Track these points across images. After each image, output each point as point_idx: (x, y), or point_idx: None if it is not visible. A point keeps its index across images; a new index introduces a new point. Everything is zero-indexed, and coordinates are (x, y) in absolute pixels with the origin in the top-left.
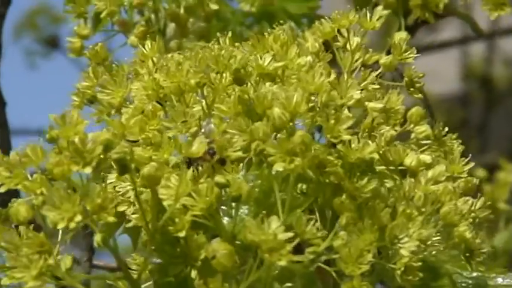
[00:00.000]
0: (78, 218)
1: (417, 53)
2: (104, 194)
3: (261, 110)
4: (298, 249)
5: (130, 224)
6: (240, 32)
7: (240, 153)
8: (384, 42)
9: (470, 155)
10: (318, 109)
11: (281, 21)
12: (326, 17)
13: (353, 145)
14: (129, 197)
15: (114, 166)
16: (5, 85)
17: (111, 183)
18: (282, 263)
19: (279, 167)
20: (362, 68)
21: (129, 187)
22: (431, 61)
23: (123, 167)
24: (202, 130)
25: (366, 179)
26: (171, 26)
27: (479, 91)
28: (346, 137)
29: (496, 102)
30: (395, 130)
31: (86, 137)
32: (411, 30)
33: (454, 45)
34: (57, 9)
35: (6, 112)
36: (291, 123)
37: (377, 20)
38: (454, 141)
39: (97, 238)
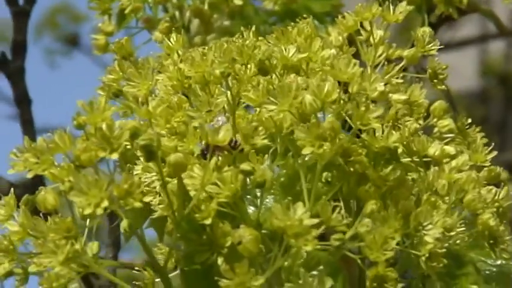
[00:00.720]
0: (105, 203)
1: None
2: (130, 180)
3: (287, 97)
4: (323, 239)
5: (156, 215)
6: (263, 30)
7: (266, 141)
8: (404, 39)
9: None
10: (344, 99)
11: (304, 16)
12: (348, 12)
13: (377, 134)
14: (155, 188)
15: (141, 153)
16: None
17: (136, 174)
18: (308, 248)
19: (307, 151)
20: (385, 62)
21: (154, 177)
22: (449, 57)
23: (149, 154)
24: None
25: (390, 168)
26: (195, 22)
27: (498, 88)
28: (375, 125)
29: None
30: (419, 124)
31: (113, 123)
32: (434, 26)
33: (473, 43)
34: (78, 7)
35: (31, 110)
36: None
37: (400, 12)
38: (477, 133)
39: (124, 224)
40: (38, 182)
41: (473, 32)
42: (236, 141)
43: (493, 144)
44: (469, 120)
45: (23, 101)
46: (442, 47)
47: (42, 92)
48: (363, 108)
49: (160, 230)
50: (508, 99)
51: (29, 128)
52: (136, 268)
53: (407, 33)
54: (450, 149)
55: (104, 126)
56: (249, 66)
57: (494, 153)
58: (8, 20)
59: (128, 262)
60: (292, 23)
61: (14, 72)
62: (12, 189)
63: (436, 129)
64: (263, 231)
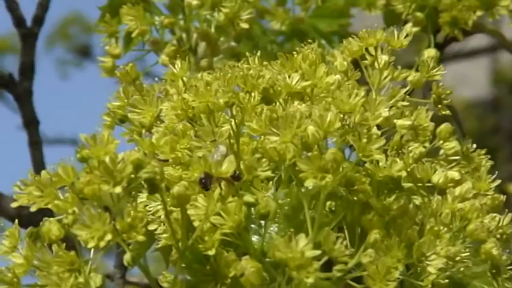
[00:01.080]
0: (109, 237)
1: (447, 59)
2: (134, 213)
3: (289, 128)
4: (328, 266)
5: (160, 244)
6: (271, 50)
7: (269, 173)
8: (413, 58)
9: (499, 163)
10: (348, 128)
11: (310, 40)
12: (355, 36)
13: (381, 163)
14: (160, 216)
15: (145, 185)
16: (38, 95)
17: (141, 202)
18: (310, 280)
19: (310, 183)
20: (391, 85)
21: (159, 206)
22: (461, 67)
23: (152, 187)
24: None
25: (393, 197)
26: (202, 45)
27: (510, 97)
28: (377, 157)
29: None
30: (425, 147)
31: (116, 156)
32: (441, 47)
33: (484, 53)
34: (89, 18)
35: (39, 131)
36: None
37: (404, 38)
38: (483, 156)
39: (127, 257)
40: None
41: (485, 41)
42: (238, 173)
43: (503, 153)
44: (474, 146)
45: (31, 123)
46: (444, 72)
47: (53, 103)
48: (364, 140)
49: (166, 257)
50: None
51: (37, 150)
52: None
53: (416, 43)
54: (454, 174)
55: (107, 159)
56: (252, 94)
57: (498, 181)
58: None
59: (136, 281)
60: (297, 48)
61: (22, 94)
62: (16, 220)
63: (441, 152)
64: (267, 259)
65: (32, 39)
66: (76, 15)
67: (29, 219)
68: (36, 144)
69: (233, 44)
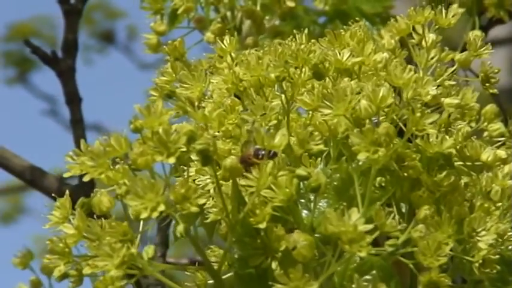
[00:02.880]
0: (162, 207)
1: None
2: (187, 184)
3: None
4: (375, 244)
5: (209, 219)
6: (313, 30)
7: (322, 146)
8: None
9: None
10: (398, 104)
11: (356, 19)
12: (400, 15)
13: (431, 139)
14: (208, 191)
15: (197, 157)
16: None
17: (190, 176)
18: (362, 254)
19: (362, 156)
20: (438, 65)
21: (208, 180)
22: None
23: (206, 158)
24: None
25: (444, 173)
26: (247, 23)
27: None
28: (431, 131)
29: None
30: (471, 127)
31: (170, 127)
32: (485, 29)
33: (503, 43)
34: (113, 4)
35: (81, 108)
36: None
37: (453, 16)
38: None
39: (179, 228)
40: (88, 181)
41: (504, 31)
42: (263, 153)
43: None
44: None
45: (73, 100)
46: (493, 51)
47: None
48: (418, 114)
49: (209, 232)
50: None
51: (79, 128)
52: (189, 269)
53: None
54: (502, 153)
55: (161, 130)
56: (303, 70)
57: None
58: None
59: (180, 264)
60: (345, 26)
61: (65, 71)
62: (67, 190)
63: (485, 133)
64: (316, 235)
65: (75, 16)
66: (100, 1)
67: (70, 196)
68: (78, 122)
69: (276, 23)
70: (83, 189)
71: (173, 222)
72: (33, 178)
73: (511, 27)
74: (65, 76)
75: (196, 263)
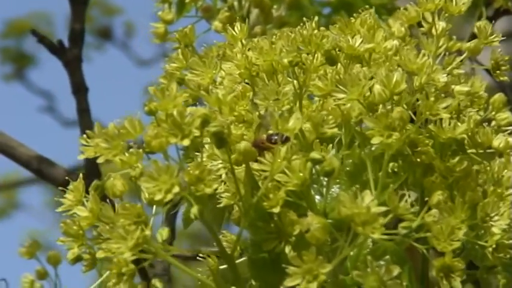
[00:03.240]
0: (176, 189)
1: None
2: (201, 166)
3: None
4: (388, 229)
5: (222, 203)
6: (318, 21)
7: (336, 130)
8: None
9: None
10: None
11: (366, 7)
12: (410, 3)
13: (444, 125)
14: (220, 176)
15: (211, 140)
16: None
17: (202, 162)
18: (375, 236)
19: (376, 140)
20: (447, 54)
21: (220, 165)
22: None
23: (220, 141)
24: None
25: (457, 159)
26: (254, 12)
27: None
28: (445, 115)
29: None
30: (480, 115)
31: (184, 110)
32: (491, 20)
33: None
34: (110, 0)
35: (88, 99)
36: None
37: (463, 4)
38: None
39: (194, 210)
40: (94, 169)
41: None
42: (282, 136)
43: None
44: None
45: (80, 90)
46: (504, 38)
47: None
48: (432, 99)
49: (219, 218)
50: None
51: (86, 118)
52: (200, 255)
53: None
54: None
55: (175, 112)
56: (315, 55)
57: None
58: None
59: (192, 250)
60: (354, 14)
61: (71, 61)
62: (80, 174)
63: (493, 122)
64: (329, 220)
65: (81, 5)
66: None
67: None
68: (84, 111)
69: (282, 13)
70: (90, 178)
71: (180, 212)
72: (40, 168)
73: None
74: (72, 66)
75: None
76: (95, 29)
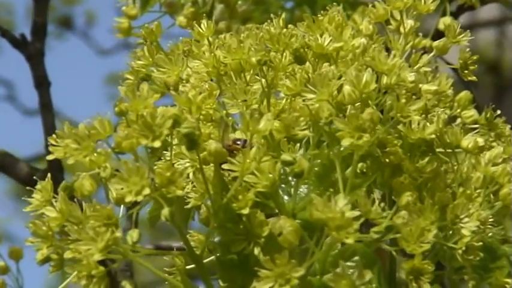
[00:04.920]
0: (146, 191)
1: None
2: (172, 168)
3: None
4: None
5: (190, 204)
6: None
7: (307, 132)
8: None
9: None
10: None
11: (330, 5)
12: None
13: (413, 126)
14: (188, 176)
15: (181, 141)
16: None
17: (169, 161)
18: (350, 241)
19: (346, 142)
20: (413, 51)
21: (188, 164)
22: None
23: (191, 142)
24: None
25: (426, 159)
26: (219, 8)
27: (487, 76)
28: (416, 117)
29: (505, 88)
30: (446, 113)
31: (155, 111)
32: (455, 16)
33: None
34: None
35: (50, 93)
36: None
37: (432, 2)
38: (505, 124)
39: (165, 212)
40: (56, 163)
41: (463, 20)
42: (246, 141)
43: None
44: (498, 112)
45: (42, 85)
46: (473, 37)
47: None
48: (403, 100)
49: (185, 218)
50: (497, 86)
51: (48, 112)
52: (169, 255)
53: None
54: (480, 140)
55: (146, 113)
56: (284, 54)
57: None
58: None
59: (161, 250)
60: (322, 11)
61: (34, 55)
62: (49, 174)
63: (458, 120)
64: (297, 220)
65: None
66: None
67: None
68: (47, 106)
69: (245, 8)
70: (53, 174)
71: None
72: (3, 164)
73: (471, 14)
74: (34, 60)
75: (175, 249)
76: (56, 18)
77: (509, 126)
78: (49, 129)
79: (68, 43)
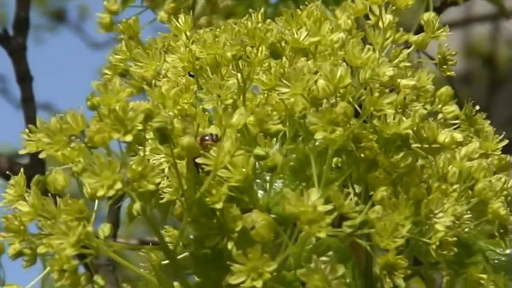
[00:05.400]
0: (118, 185)
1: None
2: (144, 162)
3: (300, 81)
4: (332, 225)
5: (164, 199)
6: (265, 11)
7: (280, 126)
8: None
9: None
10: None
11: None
12: None
13: (388, 120)
14: (163, 170)
15: (154, 136)
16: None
17: (145, 156)
18: (321, 235)
19: (320, 136)
20: (393, 46)
21: (163, 159)
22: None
23: (163, 136)
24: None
25: (401, 154)
26: (200, 3)
27: (483, 70)
28: (389, 111)
29: (499, 83)
30: (425, 109)
31: (127, 105)
32: (438, 10)
33: (456, 26)
34: None
35: (32, 88)
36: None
37: None
38: (484, 120)
39: (136, 207)
40: (37, 160)
41: (457, 14)
42: (217, 136)
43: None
44: (477, 107)
45: (24, 79)
46: (451, 33)
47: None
48: (376, 94)
49: (164, 212)
50: (492, 81)
51: (30, 107)
52: (143, 250)
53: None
54: (458, 136)
55: (118, 107)
56: (260, 49)
57: (505, 141)
58: None
59: (135, 245)
60: (297, 7)
61: (16, 49)
62: (22, 169)
63: (440, 115)
64: (272, 215)
65: None
66: None
67: None
68: (29, 100)
69: (228, 3)
70: (34, 168)
71: (124, 202)
72: None
73: (466, 9)
74: (16, 54)
75: (151, 244)
76: (49, 11)
77: (489, 121)
78: (31, 123)
79: (61, 36)
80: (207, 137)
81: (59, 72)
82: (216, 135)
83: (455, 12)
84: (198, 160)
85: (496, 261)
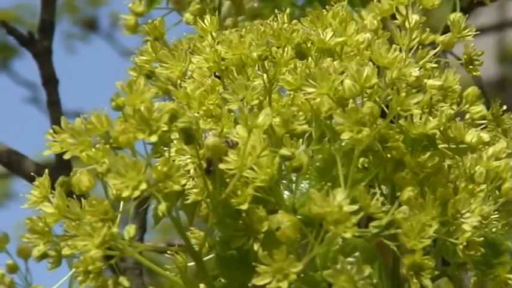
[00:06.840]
0: (143, 186)
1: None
2: (169, 163)
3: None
4: (358, 225)
5: (190, 199)
6: (291, 12)
7: (306, 126)
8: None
9: None
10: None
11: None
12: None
13: (415, 120)
14: (189, 171)
15: (179, 136)
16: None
17: (170, 157)
18: (347, 235)
19: (346, 136)
20: (420, 47)
21: (189, 160)
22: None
23: (189, 137)
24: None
25: (427, 154)
26: (226, 4)
27: None
28: (416, 111)
29: None
30: (453, 109)
31: (152, 105)
32: (465, 11)
33: (490, 30)
34: None
35: (58, 91)
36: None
37: None
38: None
39: (161, 207)
40: (64, 163)
41: (491, 19)
42: (234, 142)
43: None
44: (504, 107)
45: (49, 82)
46: (478, 33)
47: (59, 76)
48: (403, 94)
49: (190, 214)
50: None
51: (56, 110)
52: (168, 252)
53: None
54: (485, 136)
55: (143, 108)
56: (285, 49)
57: None
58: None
59: (161, 246)
60: (327, 6)
61: (41, 53)
62: (46, 170)
63: (467, 116)
64: (298, 216)
65: None
66: None
67: None
68: (54, 103)
69: (255, 5)
70: (60, 171)
71: (151, 206)
72: (10, 161)
73: (499, 12)
74: (42, 58)
75: (177, 246)
76: (81, 19)
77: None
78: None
79: (93, 45)
80: (224, 143)
81: (92, 80)
82: (233, 141)
83: (489, 16)
84: (220, 165)
85: None
